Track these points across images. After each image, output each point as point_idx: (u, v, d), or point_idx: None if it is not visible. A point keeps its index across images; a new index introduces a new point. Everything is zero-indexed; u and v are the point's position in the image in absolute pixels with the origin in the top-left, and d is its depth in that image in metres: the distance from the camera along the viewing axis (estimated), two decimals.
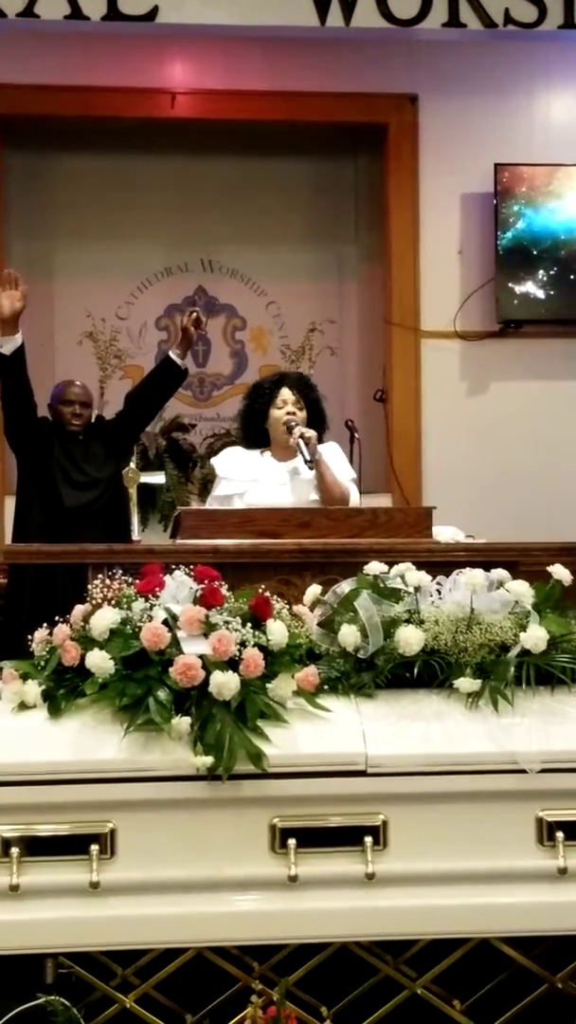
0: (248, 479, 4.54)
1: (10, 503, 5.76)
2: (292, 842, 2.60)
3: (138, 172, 7.38)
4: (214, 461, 4.76)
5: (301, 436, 4.41)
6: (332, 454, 4.60)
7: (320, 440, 4.54)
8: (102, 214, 7.35)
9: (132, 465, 6.01)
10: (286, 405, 4.57)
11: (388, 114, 7.29)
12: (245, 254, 7.51)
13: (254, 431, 4.68)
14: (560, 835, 2.63)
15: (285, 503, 4.35)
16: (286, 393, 4.61)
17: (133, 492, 5.96)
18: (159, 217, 7.39)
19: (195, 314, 5.24)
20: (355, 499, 4.56)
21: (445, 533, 3.98)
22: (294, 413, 4.54)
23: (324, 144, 7.45)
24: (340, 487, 4.50)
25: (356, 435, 5.44)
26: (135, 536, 5.83)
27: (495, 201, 7.15)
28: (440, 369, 7.25)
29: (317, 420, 4.60)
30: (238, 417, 4.85)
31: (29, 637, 2.88)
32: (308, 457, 4.39)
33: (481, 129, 7.27)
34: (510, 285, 7.18)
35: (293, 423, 4.48)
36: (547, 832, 2.64)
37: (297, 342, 7.54)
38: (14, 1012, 2.54)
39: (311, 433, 4.45)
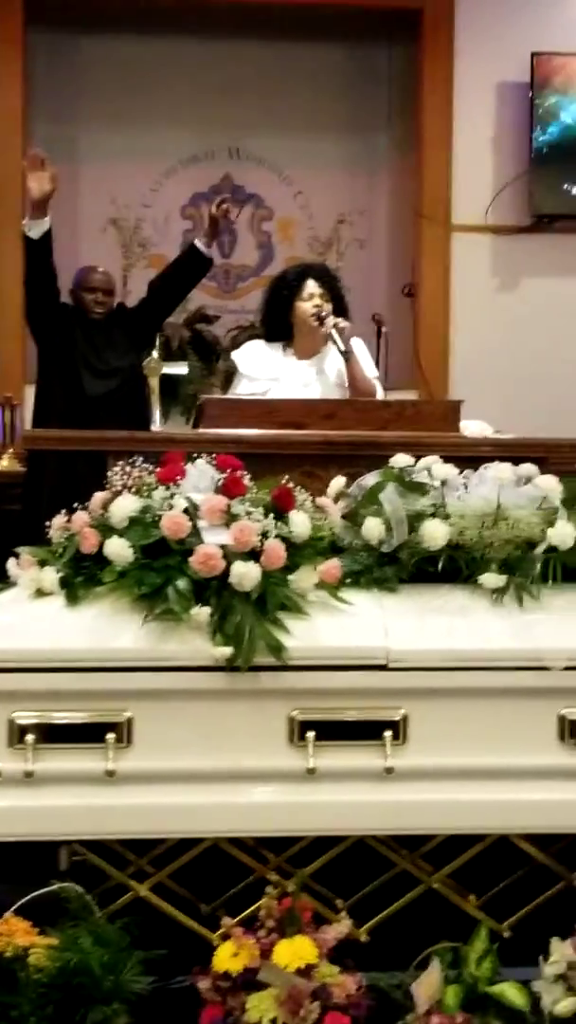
0: (269, 378, 4.48)
1: (30, 391, 5.70)
2: (311, 735, 2.58)
3: (166, 54, 7.16)
4: (235, 356, 4.70)
5: (335, 326, 4.33)
6: (358, 350, 4.52)
7: None
8: (128, 97, 7.15)
9: (155, 355, 5.92)
10: (313, 297, 4.50)
11: None
12: (274, 142, 7.31)
13: (277, 324, 4.60)
14: None
15: None
16: (312, 285, 4.53)
17: (155, 383, 5.88)
18: (186, 102, 7.19)
19: (225, 203, 5.12)
20: (380, 397, 4.49)
21: (473, 427, 3.92)
22: (320, 305, 4.46)
23: (358, 29, 7.21)
24: (368, 383, 4.46)
25: (383, 329, 5.35)
26: (156, 428, 5.77)
27: (531, 92, 6.94)
28: (470, 263, 7.10)
29: (341, 314, 4.52)
30: (260, 309, 4.78)
31: (47, 524, 2.84)
32: (343, 347, 4.32)
33: (519, 16, 7.05)
34: (544, 178, 6.98)
35: (323, 312, 4.40)
36: (569, 730, 2.62)
37: (325, 234, 7.39)
38: (28, 898, 2.55)
39: (345, 323, 4.38)
